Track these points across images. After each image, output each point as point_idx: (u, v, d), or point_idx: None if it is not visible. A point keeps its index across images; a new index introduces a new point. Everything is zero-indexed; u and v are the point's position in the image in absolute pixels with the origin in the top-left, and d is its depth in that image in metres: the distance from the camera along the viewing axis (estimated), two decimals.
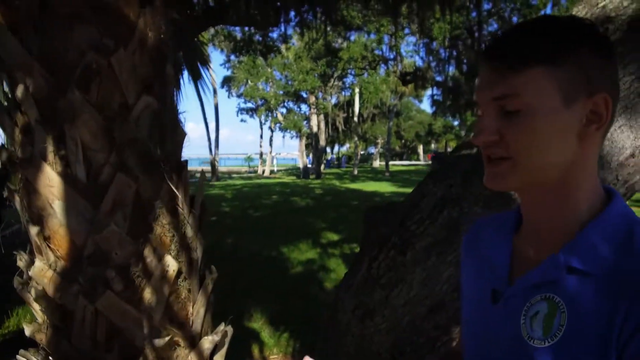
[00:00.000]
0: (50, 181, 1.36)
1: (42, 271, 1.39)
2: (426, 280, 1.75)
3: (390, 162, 34.35)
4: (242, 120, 68.21)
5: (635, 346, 0.55)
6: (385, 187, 18.94)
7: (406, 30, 20.02)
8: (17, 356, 1.48)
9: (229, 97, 37.69)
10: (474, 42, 16.23)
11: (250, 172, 36.11)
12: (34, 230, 1.39)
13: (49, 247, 1.39)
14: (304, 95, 26.88)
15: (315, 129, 27.13)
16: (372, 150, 50.69)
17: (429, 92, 30.36)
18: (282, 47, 20.00)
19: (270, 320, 4.39)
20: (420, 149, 59.79)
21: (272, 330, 4.21)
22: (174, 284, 1.49)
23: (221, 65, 46.79)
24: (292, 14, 7.04)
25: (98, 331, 1.40)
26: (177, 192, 1.44)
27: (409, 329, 1.78)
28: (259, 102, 28.62)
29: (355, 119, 28.92)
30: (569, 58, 0.60)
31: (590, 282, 0.60)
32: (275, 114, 29.06)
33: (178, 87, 4.37)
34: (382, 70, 24.69)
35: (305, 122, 28.52)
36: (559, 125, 0.61)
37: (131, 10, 1.46)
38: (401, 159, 57.85)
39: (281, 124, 29.06)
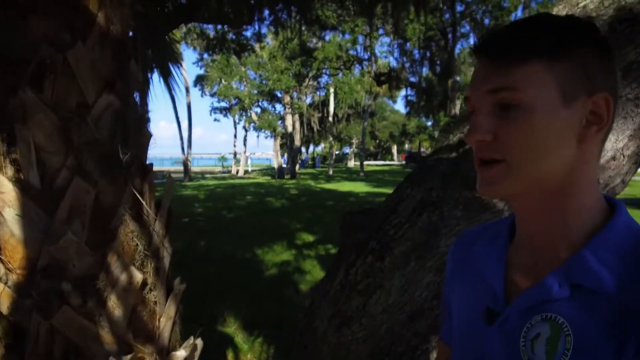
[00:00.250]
0: (1, 187, 1.24)
1: None
2: (405, 287, 1.69)
3: (365, 162, 34.53)
4: (215, 120, 67.65)
5: None
6: (360, 187, 18.99)
7: (380, 31, 20.13)
8: None
9: (202, 96, 37.22)
10: (447, 44, 16.43)
11: (224, 172, 35.71)
12: None
13: (0, 259, 1.27)
14: (279, 94, 26.72)
15: (290, 128, 27.00)
16: (347, 150, 50.88)
17: (402, 92, 30.60)
18: (256, 46, 19.80)
19: (244, 325, 4.31)
20: (394, 149, 60.41)
21: (246, 334, 4.12)
22: (138, 296, 1.39)
23: (194, 63, 46.16)
24: (266, 12, 6.96)
25: (54, 349, 1.29)
26: (141, 198, 1.34)
27: (387, 337, 1.73)
28: (233, 102, 28.31)
29: (330, 119, 28.91)
30: (569, 54, 0.58)
31: (597, 302, 0.55)
32: (249, 114, 28.81)
33: (147, 86, 4.23)
34: (356, 70, 24.77)
35: (280, 122, 28.36)
36: (558, 124, 0.57)
37: (91, 1, 1.35)
38: (375, 159, 58.31)
39: (255, 123, 28.81)
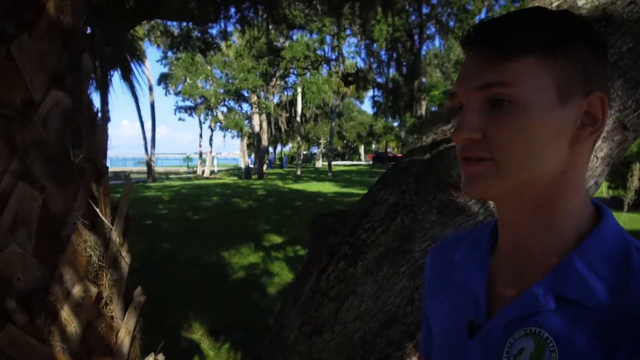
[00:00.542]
0: None
1: None
2: (378, 293, 1.64)
3: (333, 162, 34.63)
4: (180, 119, 66.47)
5: None
6: (328, 188, 19.01)
7: (348, 32, 20.19)
8: None
9: (166, 94, 36.32)
10: (412, 45, 16.63)
11: (189, 173, 35.05)
12: None
13: None
14: (246, 94, 26.43)
15: (257, 128, 26.75)
16: (314, 150, 50.88)
17: (370, 93, 30.83)
18: (222, 45, 19.51)
19: (210, 331, 4.20)
20: (362, 149, 60.91)
21: (212, 341, 4.02)
22: (93, 311, 1.28)
23: (158, 61, 45.21)
24: (233, 10, 6.83)
25: None
26: (95, 204, 1.22)
27: (360, 346, 1.67)
28: (198, 101, 27.83)
29: (298, 118, 28.79)
30: (565, 50, 0.54)
31: (584, 316, 0.52)
32: (215, 113, 28.39)
33: (107, 84, 4.05)
34: (324, 70, 24.77)
35: (246, 122, 28.06)
36: (553, 125, 0.54)
37: None
38: (343, 159, 58.67)
39: (222, 123, 28.41)
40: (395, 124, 43.90)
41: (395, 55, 18.18)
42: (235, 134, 30.08)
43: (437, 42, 22.14)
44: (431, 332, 0.74)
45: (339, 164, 48.06)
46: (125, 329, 1.37)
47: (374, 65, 21.62)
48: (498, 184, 0.55)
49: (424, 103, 23.17)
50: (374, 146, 61.91)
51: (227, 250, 7.23)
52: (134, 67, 4.13)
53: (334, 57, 24.12)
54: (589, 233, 0.57)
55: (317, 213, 1.91)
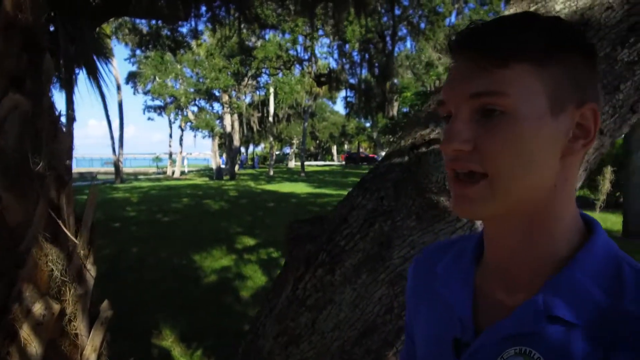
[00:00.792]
0: None
1: None
2: (357, 301, 1.61)
3: (306, 163, 34.59)
4: (149, 119, 65.17)
5: None
6: (301, 188, 18.95)
7: (320, 32, 20.18)
8: None
9: (134, 93, 35.53)
10: (384, 47, 16.74)
11: (158, 174, 34.36)
12: None
13: None
14: (217, 93, 26.09)
15: (228, 128, 26.45)
16: (287, 150, 50.73)
17: (342, 94, 30.95)
18: (193, 43, 19.19)
19: (181, 337, 4.11)
20: (334, 149, 61.11)
21: (184, 348, 3.93)
22: (56, 329, 1.20)
23: (126, 59, 44.18)
24: (203, 8, 6.70)
25: None
26: (57, 214, 1.14)
27: (338, 356, 1.64)
28: (168, 100, 27.30)
29: (271, 119, 28.59)
30: (558, 58, 0.53)
31: (576, 334, 0.51)
32: (185, 113, 27.91)
33: (72, 83, 3.89)
34: (297, 70, 24.68)
35: (218, 122, 27.70)
36: (546, 136, 0.52)
37: None
38: (316, 159, 58.77)
39: (192, 122, 27.96)
40: (368, 124, 44.33)
41: (367, 56, 18.29)
42: (207, 134, 29.67)
43: (408, 44, 22.40)
44: (414, 343, 0.72)
45: (311, 164, 48.09)
46: (91, 346, 1.29)
47: (347, 66, 21.70)
48: (495, 205, 0.53)
49: (395, 104, 23.40)
50: (346, 146, 62.27)
51: (199, 253, 7.10)
52: (100, 65, 3.98)
53: (306, 57, 24.10)
54: (580, 248, 0.55)
55: (295, 220, 1.86)
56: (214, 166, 28.11)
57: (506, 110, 0.51)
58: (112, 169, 25.73)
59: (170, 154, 32.32)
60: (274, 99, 26.00)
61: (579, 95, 0.54)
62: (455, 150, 0.53)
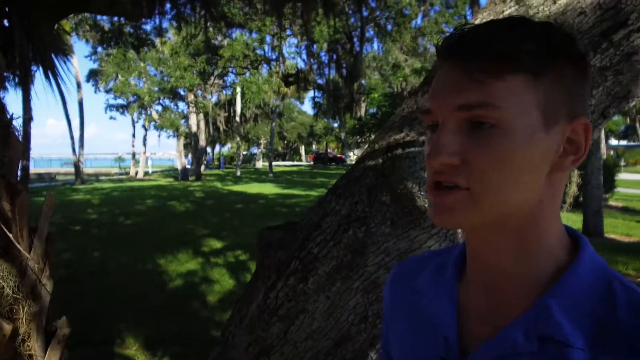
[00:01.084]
0: None
1: None
2: (330, 310, 1.57)
3: (274, 163, 34.41)
4: (111, 118, 63.29)
5: None
6: (269, 189, 18.81)
7: (288, 32, 20.08)
8: None
9: (96, 92, 34.48)
10: (352, 47, 16.80)
11: (121, 174, 33.41)
12: None
13: None
14: (182, 92, 25.57)
15: (194, 128, 25.98)
16: (255, 150, 50.30)
17: (310, 94, 30.95)
18: (157, 41, 18.73)
19: (145, 345, 3.97)
20: (302, 149, 61.10)
21: (148, 356, 3.81)
22: (7, 351, 1.10)
23: (87, 57, 42.84)
24: (168, 6, 6.53)
25: None
26: (8, 227, 1.05)
27: None
28: (131, 99, 26.59)
29: (237, 118, 28.24)
30: (551, 69, 0.50)
31: (570, 356, 0.49)
32: (149, 112, 27.25)
33: (27, 81, 3.69)
34: (264, 70, 24.47)
35: (183, 121, 27.16)
36: (537, 151, 0.50)
37: None
38: (284, 160, 58.62)
39: (156, 122, 27.31)
40: (336, 124, 44.50)
41: (335, 56, 18.31)
42: (171, 133, 29.05)
43: (375, 45, 22.62)
44: (391, 357, 0.69)
45: (279, 165, 47.92)
46: None
47: (315, 66, 21.67)
48: (471, 215, 0.51)
49: (363, 105, 23.55)
50: (314, 147, 62.40)
51: (164, 257, 6.92)
52: (59, 63, 3.79)
53: (274, 57, 23.93)
54: (568, 266, 0.53)
55: (265, 226, 1.80)
56: (179, 167, 27.55)
57: (498, 124, 0.49)
58: (72, 169, 24.89)
59: (134, 154, 31.49)
60: (241, 99, 25.70)
61: (570, 109, 0.52)
62: (444, 163, 0.50)
